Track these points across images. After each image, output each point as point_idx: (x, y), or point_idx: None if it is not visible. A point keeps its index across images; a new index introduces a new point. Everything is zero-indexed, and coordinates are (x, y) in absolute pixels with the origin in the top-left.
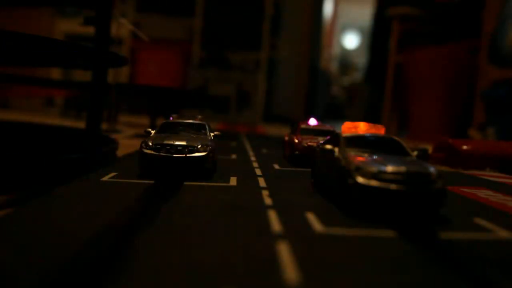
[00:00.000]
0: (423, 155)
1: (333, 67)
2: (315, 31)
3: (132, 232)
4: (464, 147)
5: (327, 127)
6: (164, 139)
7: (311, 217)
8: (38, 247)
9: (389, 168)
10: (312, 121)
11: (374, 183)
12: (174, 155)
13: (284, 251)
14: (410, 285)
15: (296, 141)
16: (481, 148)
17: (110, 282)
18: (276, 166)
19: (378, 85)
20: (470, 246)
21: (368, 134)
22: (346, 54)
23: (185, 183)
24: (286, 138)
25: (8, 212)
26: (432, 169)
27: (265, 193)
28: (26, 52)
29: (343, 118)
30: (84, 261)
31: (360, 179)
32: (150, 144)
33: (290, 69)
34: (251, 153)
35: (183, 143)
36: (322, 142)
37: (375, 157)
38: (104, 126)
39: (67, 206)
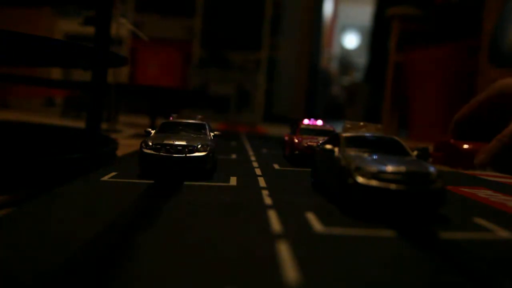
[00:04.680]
0: (424, 154)
1: (333, 67)
2: (315, 31)
3: (132, 232)
4: (465, 146)
5: (327, 127)
6: (164, 139)
7: (311, 217)
8: (38, 247)
9: (389, 168)
10: (318, 122)
11: (374, 183)
12: (174, 155)
13: (284, 250)
14: (410, 285)
15: (296, 141)
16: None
17: (110, 282)
18: (276, 166)
19: (378, 85)
20: (470, 246)
21: (368, 134)
22: (346, 54)
23: (185, 183)
24: (286, 138)
25: (8, 212)
26: (432, 169)
27: (265, 193)
28: (26, 52)
29: (343, 118)
30: (84, 261)
31: (360, 179)
32: (150, 144)
33: (290, 69)
34: (251, 153)
35: (183, 143)
36: (322, 142)
37: (375, 157)
38: (104, 126)
39: (67, 206)
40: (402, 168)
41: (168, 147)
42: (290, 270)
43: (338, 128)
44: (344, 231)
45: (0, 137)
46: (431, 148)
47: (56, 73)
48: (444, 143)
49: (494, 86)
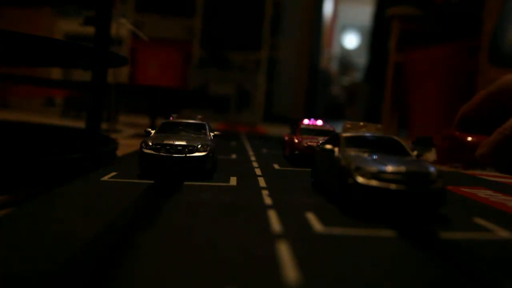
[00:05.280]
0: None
1: (333, 67)
2: (315, 31)
3: (132, 232)
4: (469, 138)
5: (327, 127)
6: (164, 139)
7: (311, 217)
8: (38, 247)
9: (389, 168)
10: (318, 122)
11: (374, 183)
12: (174, 155)
13: (284, 250)
14: (410, 285)
15: (296, 141)
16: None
17: (111, 282)
18: (276, 166)
19: (378, 85)
20: (470, 246)
21: (368, 134)
22: (346, 54)
23: (185, 183)
24: (286, 138)
25: (8, 212)
26: (432, 169)
27: (265, 193)
28: (27, 52)
29: (343, 118)
30: (84, 261)
31: (360, 179)
32: (150, 144)
33: (290, 69)
34: (251, 153)
35: (183, 143)
36: (322, 142)
37: (375, 157)
38: (104, 126)
39: (67, 206)
40: (402, 168)
41: (168, 147)
42: (290, 270)
43: (338, 128)
44: (344, 231)
45: (0, 137)
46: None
47: (56, 73)
48: (449, 135)
49: (497, 82)
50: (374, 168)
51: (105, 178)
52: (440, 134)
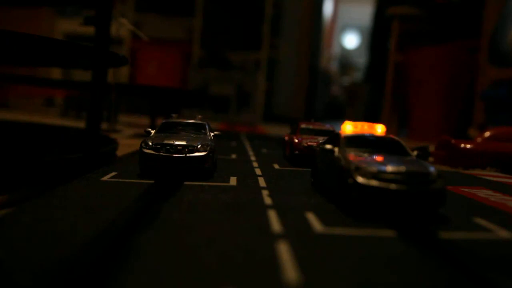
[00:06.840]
0: (424, 153)
1: (333, 67)
2: (315, 31)
3: (132, 231)
4: (468, 145)
5: (327, 127)
6: (164, 138)
7: (311, 217)
8: (38, 247)
9: (389, 168)
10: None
11: (374, 183)
12: (174, 155)
13: (284, 250)
14: (411, 284)
15: (296, 141)
16: (482, 146)
17: (110, 282)
18: (276, 166)
19: (378, 85)
20: (470, 246)
21: (368, 134)
22: (346, 54)
23: (185, 182)
24: (286, 138)
25: (8, 212)
26: (432, 169)
27: (265, 193)
28: (26, 52)
29: (343, 118)
30: (84, 261)
31: (360, 179)
32: (150, 143)
33: (290, 69)
34: (251, 153)
35: (183, 142)
36: (322, 142)
37: (375, 157)
38: (104, 126)
39: (67, 206)
40: (402, 168)
41: (168, 147)
42: (290, 270)
43: (338, 128)
44: (344, 231)
45: (1, 137)
46: (432, 147)
47: (56, 73)
48: (445, 142)
49: None
50: (374, 168)
51: (105, 178)
52: (436, 141)
